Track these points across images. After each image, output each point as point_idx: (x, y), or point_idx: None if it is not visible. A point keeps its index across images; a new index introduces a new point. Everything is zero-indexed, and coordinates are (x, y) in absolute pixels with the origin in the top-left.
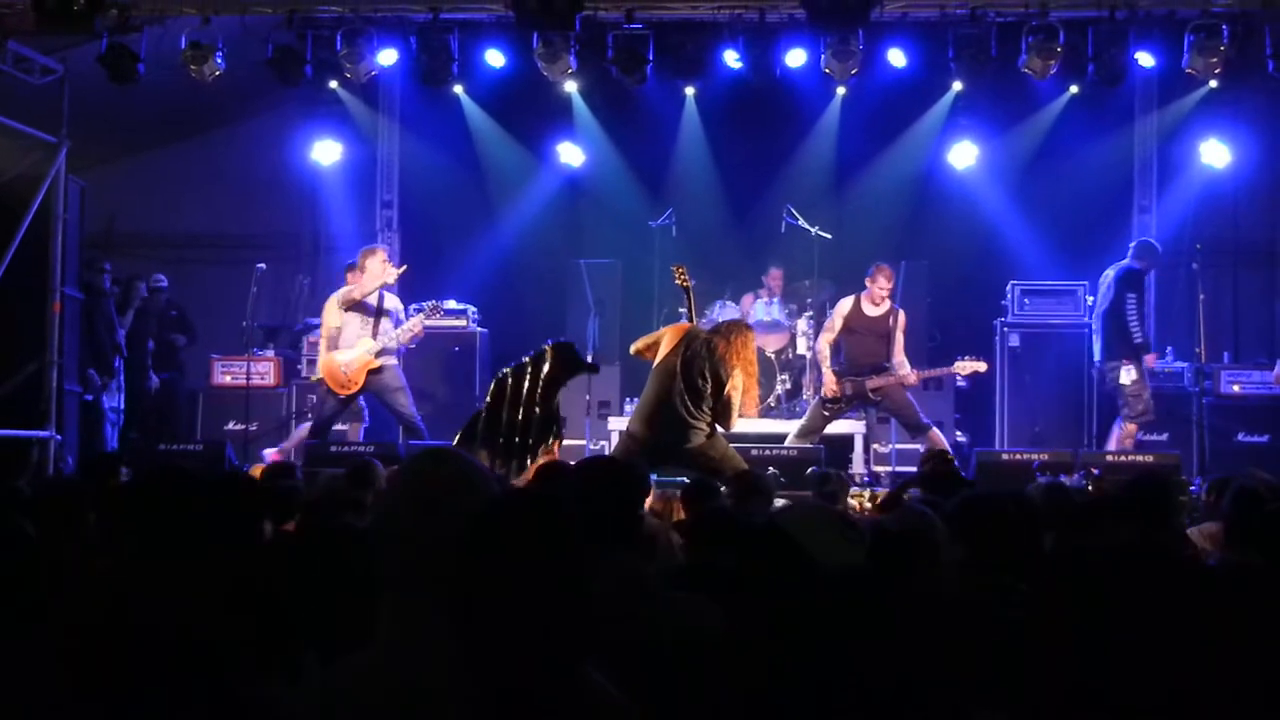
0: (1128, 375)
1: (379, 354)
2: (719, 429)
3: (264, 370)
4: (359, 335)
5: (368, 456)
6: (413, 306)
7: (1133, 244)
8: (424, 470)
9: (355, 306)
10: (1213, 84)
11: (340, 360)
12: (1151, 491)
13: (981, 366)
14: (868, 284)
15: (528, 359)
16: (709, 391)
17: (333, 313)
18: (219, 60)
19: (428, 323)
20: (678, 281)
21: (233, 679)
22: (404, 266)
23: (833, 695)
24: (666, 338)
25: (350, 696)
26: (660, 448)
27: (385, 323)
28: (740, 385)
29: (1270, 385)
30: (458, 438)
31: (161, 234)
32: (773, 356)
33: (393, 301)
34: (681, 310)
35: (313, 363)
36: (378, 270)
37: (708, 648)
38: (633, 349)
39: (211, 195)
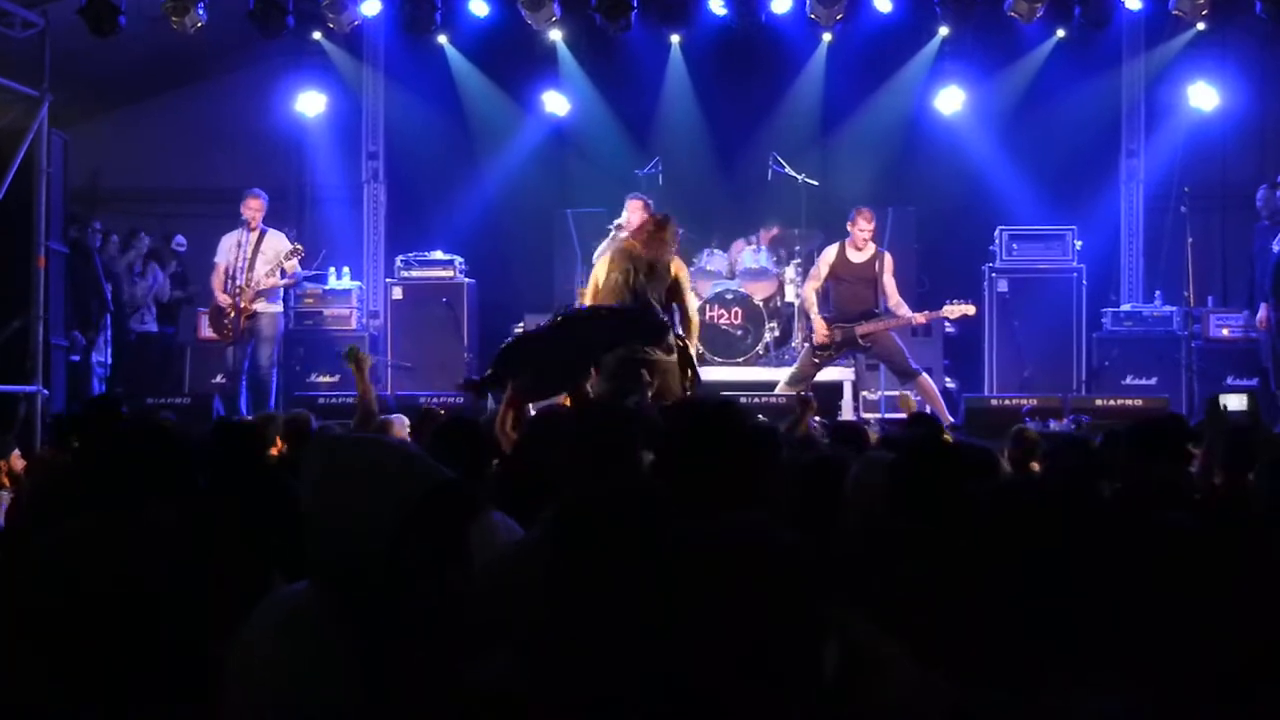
0: None
1: (253, 299)
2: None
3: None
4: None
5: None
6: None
7: None
8: (335, 460)
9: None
10: (1200, 26)
11: (221, 307)
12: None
13: (970, 309)
14: (849, 228)
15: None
16: (657, 276)
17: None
18: (200, 11)
19: (286, 266)
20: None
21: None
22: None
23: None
24: (598, 268)
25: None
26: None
27: (260, 267)
28: (683, 274)
29: (1258, 329)
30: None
31: (146, 188)
32: (761, 304)
33: (272, 243)
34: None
35: (300, 316)
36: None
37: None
38: (583, 301)
39: (196, 148)
